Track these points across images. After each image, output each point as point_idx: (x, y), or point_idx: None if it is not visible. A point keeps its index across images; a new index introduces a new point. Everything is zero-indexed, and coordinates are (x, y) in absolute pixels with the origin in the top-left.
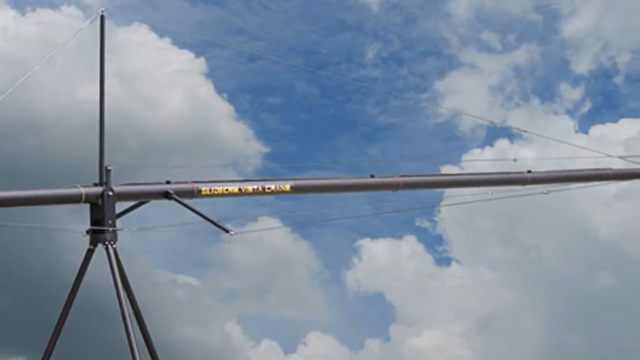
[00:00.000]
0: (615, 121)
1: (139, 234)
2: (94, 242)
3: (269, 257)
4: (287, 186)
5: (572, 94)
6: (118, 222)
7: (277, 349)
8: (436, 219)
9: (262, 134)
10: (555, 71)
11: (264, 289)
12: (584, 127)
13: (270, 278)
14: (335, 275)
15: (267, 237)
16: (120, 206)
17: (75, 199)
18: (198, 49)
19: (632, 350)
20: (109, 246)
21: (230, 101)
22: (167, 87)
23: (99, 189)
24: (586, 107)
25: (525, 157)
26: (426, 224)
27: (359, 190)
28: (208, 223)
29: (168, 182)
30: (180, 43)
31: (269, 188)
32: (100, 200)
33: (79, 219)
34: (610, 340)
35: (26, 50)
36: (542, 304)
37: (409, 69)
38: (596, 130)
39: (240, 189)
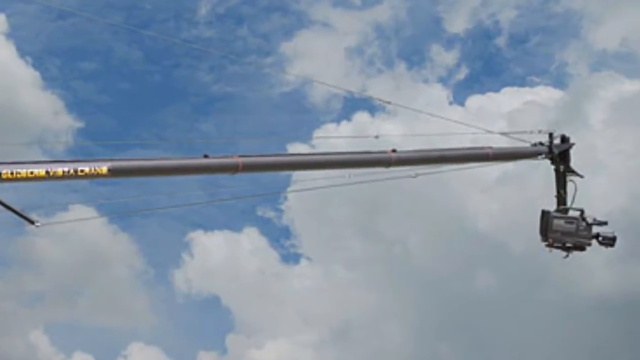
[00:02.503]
0: (496, 90)
1: None
2: None
3: (82, 253)
4: (104, 168)
5: (445, 58)
6: None
7: None
8: (282, 207)
9: (74, 105)
10: (426, 31)
11: (77, 291)
12: (459, 97)
13: (83, 278)
14: (162, 274)
15: (80, 229)
16: None
17: None
18: None
19: None
20: None
21: (35, 66)
22: None
23: None
24: (462, 74)
25: (389, 133)
26: (270, 214)
27: (190, 173)
28: (9, 212)
29: None
30: None
31: (82, 171)
32: None
33: None
34: (488, 351)
35: None
36: (410, 309)
37: (250, 28)
38: (474, 101)
39: (47, 172)
